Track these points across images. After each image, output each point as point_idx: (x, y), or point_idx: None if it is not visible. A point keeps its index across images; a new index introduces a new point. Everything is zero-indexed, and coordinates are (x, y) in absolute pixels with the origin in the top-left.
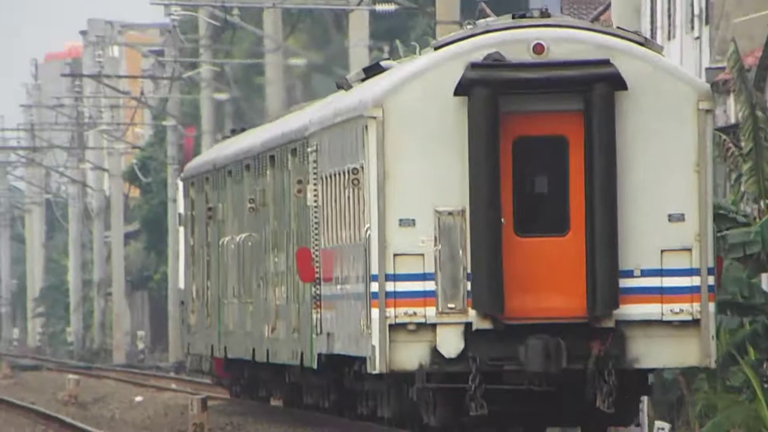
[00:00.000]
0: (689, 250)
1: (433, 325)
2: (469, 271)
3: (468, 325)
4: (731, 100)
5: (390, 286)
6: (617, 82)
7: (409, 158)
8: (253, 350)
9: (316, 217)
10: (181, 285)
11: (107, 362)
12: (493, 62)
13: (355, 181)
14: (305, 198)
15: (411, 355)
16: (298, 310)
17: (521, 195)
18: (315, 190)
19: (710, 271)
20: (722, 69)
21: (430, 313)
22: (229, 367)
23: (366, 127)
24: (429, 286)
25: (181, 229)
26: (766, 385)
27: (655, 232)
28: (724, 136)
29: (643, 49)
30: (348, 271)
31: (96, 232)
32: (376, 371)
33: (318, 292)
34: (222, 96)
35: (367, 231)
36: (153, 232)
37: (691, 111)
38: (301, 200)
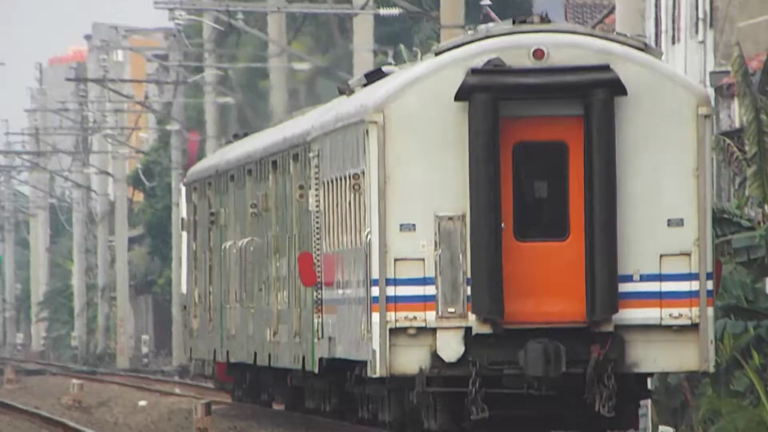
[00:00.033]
0: (688, 254)
1: (434, 330)
2: (469, 275)
3: (468, 330)
4: (735, 104)
5: (390, 291)
6: (617, 88)
7: (409, 163)
8: (255, 354)
9: (317, 222)
10: (184, 289)
11: (111, 366)
12: (494, 68)
13: (356, 186)
14: (307, 203)
15: (411, 360)
16: (299, 314)
17: (521, 200)
18: (317, 195)
19: (709, 276)
20: (726, 73)
21: (430, 317)
22: (231, 372)
23: (367, 132)
24: (429, 290)
25: (184, 233)
26: None
27: (655, 237)
28: (728, 140)
29: (642, 54)
30: (349, 275)
31: (100, 237)
32: (377, 375)
33: (319, 296)
34: (226, 100)
35: (367, 236)
36: (157, 237)
37: (691, 116)
38: (303, 205)
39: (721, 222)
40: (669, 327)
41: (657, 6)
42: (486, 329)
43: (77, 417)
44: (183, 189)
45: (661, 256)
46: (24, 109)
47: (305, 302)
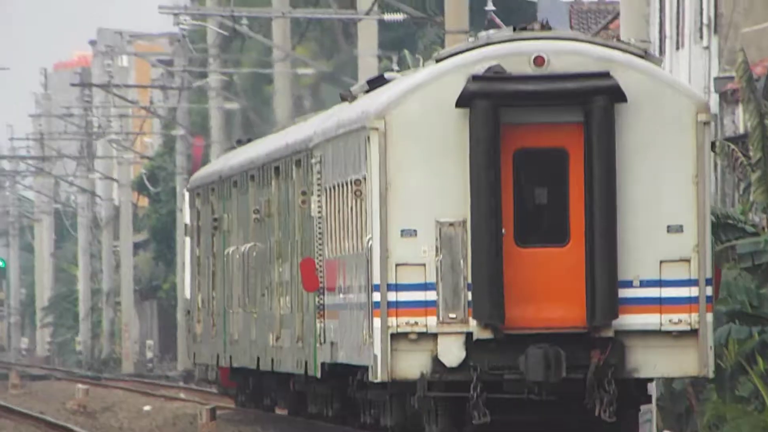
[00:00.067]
0: (688, 261)
1: (435, 335)
2: (469, 281)
3: (469, 335)
4: (740, 110)
5: (392, 296)
6: (617, 95)
7: (410, 169)
8: (258, 359)
9: (320, 228)
10: (187, 295)
11: (116, 371)
12: (494, 75)
13: (358, 192)
14: (309, 209)
15: (412, 364)
16: (302, 319)
17: (522, 206)
18: (319, 201)
19: (708, 282)
20: (731, 78)
21: (431, 322)
22: (234, 376)
23: (368, 138)
24: (430, 295)
25: (187, 239)
26: None
27: (654, 243)
28: (732, 146)
29: (642, 61)
30: (351, 281)
31: (105, 242)
32: (378, 380)
33: (322, 301)
34: (231, 105)
35: (369, 241)
36: (162, 242)
37: (690, 123)
38: (306, 211)
39: (726, 227)
40: (669, 333)
41: (661, 12)
42: (487, 334)
43: (82, 422)
44: (186, 195)
45: (660, 262)
46: (29, 114)
47: (308, 307)
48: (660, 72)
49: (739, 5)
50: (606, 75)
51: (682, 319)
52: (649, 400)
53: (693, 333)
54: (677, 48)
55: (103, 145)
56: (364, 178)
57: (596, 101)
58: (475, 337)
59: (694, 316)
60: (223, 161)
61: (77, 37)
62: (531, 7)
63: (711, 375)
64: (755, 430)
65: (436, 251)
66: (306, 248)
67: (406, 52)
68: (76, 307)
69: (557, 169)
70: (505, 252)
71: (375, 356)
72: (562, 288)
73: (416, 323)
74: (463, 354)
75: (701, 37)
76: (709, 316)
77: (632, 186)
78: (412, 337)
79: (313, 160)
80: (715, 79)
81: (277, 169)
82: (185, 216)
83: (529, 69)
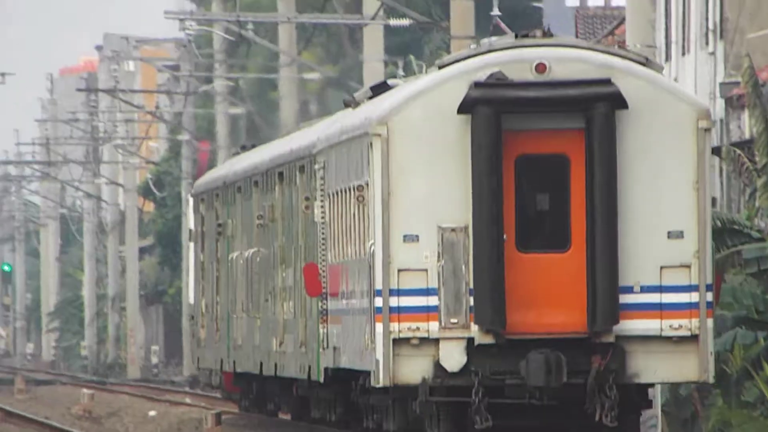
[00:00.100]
0: (688, 266)
1: (436, 340)
2: (471, 286)
3: (470, 340)
4: (745, 115)
5: (394, 301)
6: (618, 101)
7: (413, 175)
8: (261, 364)
9: (323, 233)
10: (191, 300)
11: (121, 376)
12: (496, 81)
13: (361, 198)
14: (313, 214)
15: (414, 369)
16: (305, 324)
17: (523, 212)
18: (322, 206)
19: (709, 288)
20: (736, 84)
21: (433, 327)
22: (237, 381)
23: (371, 144)
24: (432, 301)
25: (191, 244)
26: None
27: (655, 248)
28: (738, 151)
29: (643, 68)
30: (353, 286)
31: (110, 247)
32: (380, 385)
33: (325, 306)
34: (237, 110)
35: (371, 246)
36: (167, 247)
37: (691, 129)
38: (309, 216)
39: (731, 233)
40: (669, 338)
41: (667, 17)
42: (488, 339)
43: (87, 427)
44: (191, 200)
45: (661, 267)
46: (35, 119)
47: (311, 312)
48: (661, 79)
49: (744, 10)
50: (607, 82)
51: (683, 325)
52: (649, 405)
53: (693, 338)
54: (683, 53)
55: (109, 150)
56: (367, 184)
57: (597, 108)
58: (476, 343)
59: (695, 322)
60: (228, 167)
61: (83, 42)
62: (537, 13)
63: (711, 380)
64: None
65: (438, 257)
66: (309, 253)
67: (411, 57)
68: (81, 312)
69: (558, 175)
70: (506, 258)
71: (377, 361)
72: (563, 293)
73: (418, 328)
74: (464, 359)
75: (707, 42)
76: (710, 322)
77: (633, 192)
78: (414, 342)
79: (317, 166)
80: (721, 84)
81: (280, 174)
82: (189, 221)
83: (531, 76)
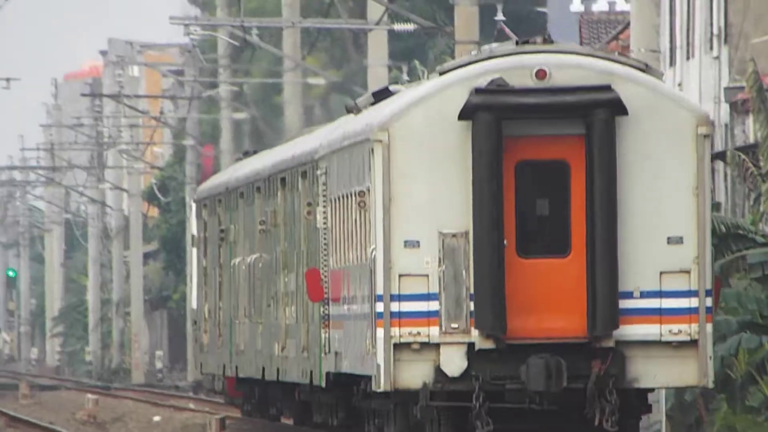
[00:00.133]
0: (687, 272)
1: (437, 345)
2: (472, 291)
3: (471, 345)
4: (750, 120)
5: (395, 306)
6: (618, 108)
7: (414, 181)
8: (264, 369)
9: (325, 239)
10: (194, 305)
11: (126, 382)
12: (497, 88)
13: (362, 204)
14: (315, 220)
15: (415, 374)
16: (307, 329)
17: (523, 217)
18: (324, 212)
19: (708, 293)
20: (741, 89)
21: (433, 332)
22: (240, 386)
23: (372, 150)
24: (433, 306)
25: (194, 249)
26: None
27: (655, 254)
28: (743, 156)
29: (643, 74)
30: (355, 291)
31: (115, 252)
32: (381, 390)
33: (326, 311)
34: (241, 115)
35: (372, 252)
36: (172, 252)
37: (690, 136)
38: (311, 222)
39: (736, 238)
40: (668, 343)
41: (671, 21)
42: (489, 344)
43: None
44: (193, 206)
45: (661, 273)
46: (39, 124)
47: (313, 317)
48: (660, 85)
49: (749, 15)
50: (607, 88)
51: (682, 330)
52: (649, 410)
53: (693, 343)
54: (687, 58)
55: (113, 155)
56: (368, 190)
57: (597, 114)
58: (477, 347)
59: (694, 327)
60: (230, 172)
61: (88, 47)
62: (541, 18)
63: (711, 385)
64: None
65: (439, 262)
66: (311, 259)
67: (416, 62)
68: (86, 317)
69: (559, 181)
70: (507, 263)
71: (378, 366)
72: (564, 298)
73: (419, 333)
74: (465, 364)
75: (711, 47)
76: (709, 327)
77: (633, 198)
78: (415, 347)
79: (319, 172)
80: (726, 89)
81: (283, 180)
82: (192, 227)
83: (531, 82)
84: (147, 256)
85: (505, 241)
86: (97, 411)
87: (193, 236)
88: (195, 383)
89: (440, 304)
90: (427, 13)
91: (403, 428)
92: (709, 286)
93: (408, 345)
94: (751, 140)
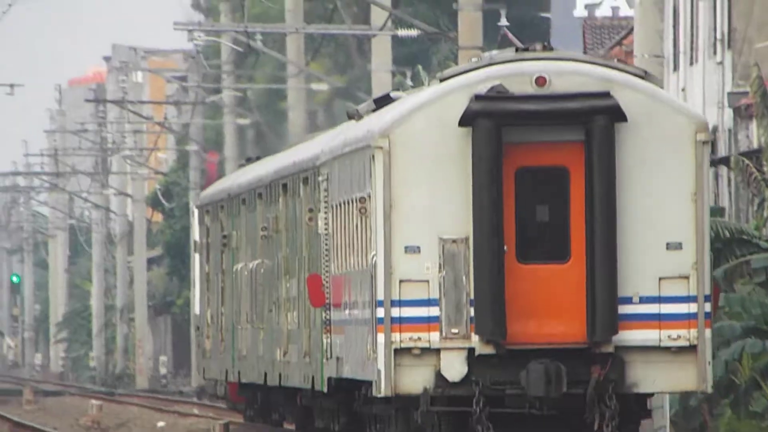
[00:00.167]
0: (686, 277)
1: (437, 350)
2: (472, 297)
3: (471, 350)
4: (754, 125)
5: (395, 312)
6: (617, 114)
7: (414, 187)
8: (266, 374)
9: (326, 245)
10: (197, 311)
11: (130, 387)
12: (497, 94)
13: (363, 210)
14: (316, 226)
15: (416, 379)
16: (309, 334)
17: (523, 223)
18: (325, 218)
19: (707, 299)
20: (745, 94)
21: (434, 338)
22: (242, 391)
23: (373, 156)
24: (433, 311)
25: (196, 255)
26: None
27: (654, 260)
28: (746, 161)
29: (642, 81)
30: (356, 296)
31: (119, 257)
32: (382, 395)
33: (328, 317)
34: (244, 121)
35: (373, 258)
36: (176, 257)
37: (689, 142)
38: (312, 228)
39: (740, 243)
40: (668, 348)
41: (675, 27)
42: (489, 350)
43: None
44: (196, 212)
45: (660, 278)
46: (43, 130)
47: (314, 323)
48: (660, 92)
49: (753, 20)
50: (606, 95)
51: (681, 335)
52: (648, 415)
53: (692, 349)
54: (691, 63)
55: (117, 161)
56: (369, 196)
57: (597, 120)
58: (477, 353)
59: (693, 332)
60: (232, 179)
61: (92, 53)
62: (545, 23)
63: (710, 390)
64: None
65: (440, 268)
66: (313, 265)
67: (419, 67)
68: (89, 322)
69: (558, 187)
70: (507, 268)
71: (379, 371)
72: (563, 304)
73: (419, 338)
74: (465, 369)
75: (715, 52)
76: (708, 332)
77: (632, 204)
78: (416, 352)
79: (320, 178)
80: (729, 94)
81: (284, 186)
82: (195, 233)
83: (531, 89)
84: (151, 262)
85: (505, 247)
86: (101, 417)
87: (195, 242)
88: (199, 388)
89: (440, 309)
90: (430, 18)
91: None
92: (708, 291)
93: (408, 350)
94: (755, 145)
